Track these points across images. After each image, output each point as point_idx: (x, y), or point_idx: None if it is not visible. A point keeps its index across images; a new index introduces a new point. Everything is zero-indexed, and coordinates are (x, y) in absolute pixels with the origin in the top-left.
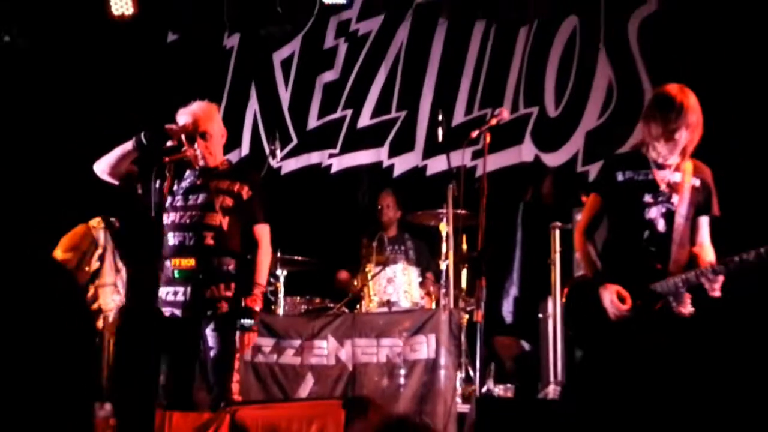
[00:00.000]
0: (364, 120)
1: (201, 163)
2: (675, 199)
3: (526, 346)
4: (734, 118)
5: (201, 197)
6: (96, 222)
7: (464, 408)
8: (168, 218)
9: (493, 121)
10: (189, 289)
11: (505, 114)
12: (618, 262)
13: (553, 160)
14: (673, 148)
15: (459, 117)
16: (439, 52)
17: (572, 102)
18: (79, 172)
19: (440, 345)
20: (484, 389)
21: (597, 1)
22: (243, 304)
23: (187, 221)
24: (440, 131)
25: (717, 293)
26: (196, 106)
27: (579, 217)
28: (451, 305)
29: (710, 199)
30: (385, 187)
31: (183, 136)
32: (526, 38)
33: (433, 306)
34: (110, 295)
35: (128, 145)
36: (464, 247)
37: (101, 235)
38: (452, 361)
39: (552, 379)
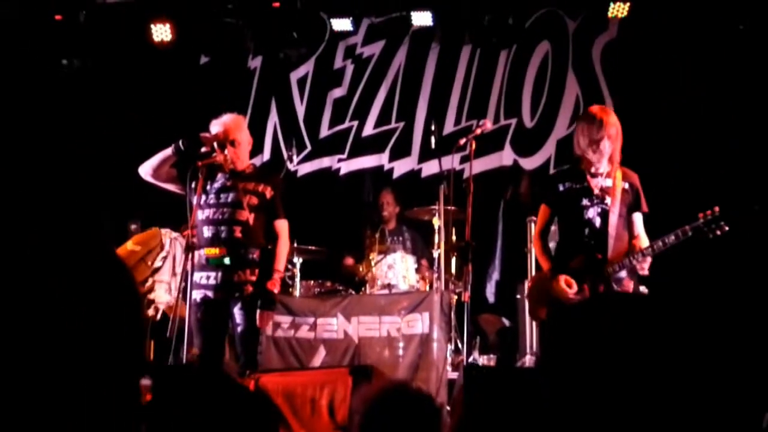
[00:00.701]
0: (368, 129)
1: (230, 166)
2: (608, 200)
3: (506, 322)
4: (674, 123)
5: (231, 196)
6: (167, 231)
7: (453, 375)
8: (203, 214)
9: (478, 131)
10: (220, 273)
11: (488, 124)
12: (568, 256)
13: (529, 164)
14: (600, 156)
15: (449, 127)
16: (432, 71)
17: (545, 114)
18: (124, 175)
19: (433, 322)
20: (470, 359)
21: (566, 29)
22: (264, 287)
23: (220, 216)
24: (433, 139)
25: (645, 272)
26: (227, 118)
27: None
28: (443, 288)
29: (639, 199)
30: (386, 187)
31: (215, 144)
32: (506, 60)
33: (427, 288)
34: (164, 291)
35: (168, 151)
36: (453, 238)
37: (168, 242)
38: (443, 335)
39: (528, 350)
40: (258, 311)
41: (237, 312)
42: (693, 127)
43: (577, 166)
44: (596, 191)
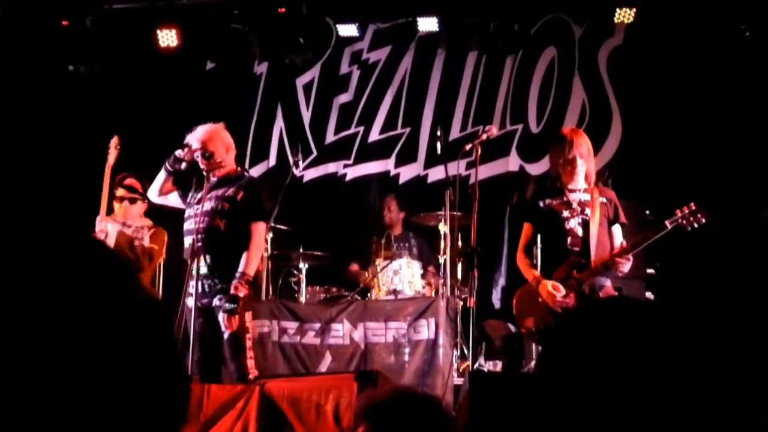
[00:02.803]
0: (374, 135)
1: (211, 177)
2: (588, 211)
3: (512, 328)
4: (680, 128)
5: (204, 205)
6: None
7: (459, 381)
8: (186, 224)
9: (484, 136)
10: (200, 282)
11: (494, 130)
12: (551, 264)
13: (535, 169)
14: (574, 173)
15: (455, 133)
16: (438, 77)
17: (551, 120)
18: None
19: (439, 327)
20: (476, 365)
21: (572, 35)
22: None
23: (193, 226)
24: (439, 145)
25: (624, 271)
26: (200, 132)
27: None
28: (448, 293)
29: (617, 212)
30: (389, 193)
31: (194, 157)
32: (512, 66)
33: (433, 294)
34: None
35: (162, 173)
36: (459, 243)
37: (109, 227)
38: (449, 341)
39: (534, 356)
40: (223, 315)
41: (220, 319)
42: (699, 131)
43: (555, 184)
44: (575, 204)
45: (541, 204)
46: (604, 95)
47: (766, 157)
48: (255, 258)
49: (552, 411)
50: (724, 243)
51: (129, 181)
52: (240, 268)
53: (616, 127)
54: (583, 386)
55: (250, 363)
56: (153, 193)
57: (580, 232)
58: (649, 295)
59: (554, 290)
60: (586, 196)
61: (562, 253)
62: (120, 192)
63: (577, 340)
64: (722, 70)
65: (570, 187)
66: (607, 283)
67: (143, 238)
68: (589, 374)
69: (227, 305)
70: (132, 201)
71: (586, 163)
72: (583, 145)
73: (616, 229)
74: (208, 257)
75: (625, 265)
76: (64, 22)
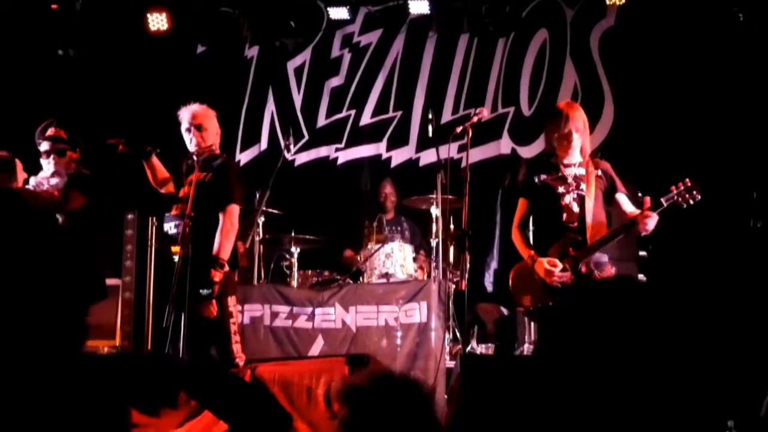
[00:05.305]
0: (366, 119)
1: (196, 164)
2: (583, 186)
3: (504, 311)
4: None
5: (182, 191)
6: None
7: (451, 364)
8: (173, 211)
9: (475, 119)
10: (187, 269)
11: (485, 113)
12: (547, 241)
13: (527, 152)
14: (569, 147)
15: (447, 116)
16: (430, 60)
17: (543, 102)
18: (119, 165)
19: (431, 311)
20: (468, 348)
21: (564, 16)
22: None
23: (175, 213)
24: (430, 128)
25: (648, 231)
26: (194, 106)
27: None
28: (440, 277)
29: (614, 182)
30: (386, 177)
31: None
32: (504, 48)
33: (425, 277)
34: None
35: (154, 158)
36: (451, 227)
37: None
38: (441, 324)
39: (526, 339)
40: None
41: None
42: (692, 114)
43: (550, 159)
44: (570, 179)
45: (536, 180)
46: (596, 77)
47: (758, 139)
48: (226, 241)
49: (548, 393)
50: (715, 225)
51: (51, 131)
52: (218, 254)
53: (608, 110)
54: (583, 369)
55: (236, 348)
56: (155, 182)
57: (575, 207)
58: (641, 277)
59: (550, 266)
60: (581, 171)
61: (558, 229)
62: (44, 146)
63: (576, 325)
64: (714, 52)
65: (565, 161)
66: (604, 258)
67: (57, 185)
68: (588, 358)
69: (203, 291)
70: (60, 153)
71: (581, 137)
72: (578, 119)
73: (621, 198)
74: (186, 246)
75: (647, 228)
76: (54, 6)
